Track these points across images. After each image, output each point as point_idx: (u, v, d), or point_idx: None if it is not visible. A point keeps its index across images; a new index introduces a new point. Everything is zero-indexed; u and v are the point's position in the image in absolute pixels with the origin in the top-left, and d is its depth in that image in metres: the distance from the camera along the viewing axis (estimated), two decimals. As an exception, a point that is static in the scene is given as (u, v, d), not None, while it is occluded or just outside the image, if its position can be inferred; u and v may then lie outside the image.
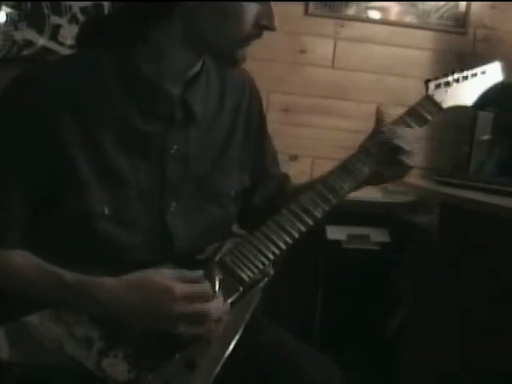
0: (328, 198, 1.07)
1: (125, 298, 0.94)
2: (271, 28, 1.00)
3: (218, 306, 0.97)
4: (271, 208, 1.14)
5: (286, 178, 1.28)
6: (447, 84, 1.16)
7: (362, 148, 1.11)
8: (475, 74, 1.18)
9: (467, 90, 1.17)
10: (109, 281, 0.96)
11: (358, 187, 1.12)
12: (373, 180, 1.13)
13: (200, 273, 0.99)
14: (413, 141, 1.09)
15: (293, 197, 1.09)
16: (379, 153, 1.10)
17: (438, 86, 1.15)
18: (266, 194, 1.22)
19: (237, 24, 0.98)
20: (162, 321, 0.94)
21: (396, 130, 1.10)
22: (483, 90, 1.18)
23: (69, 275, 0.96)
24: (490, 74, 1.19)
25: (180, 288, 0.94)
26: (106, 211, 1.00)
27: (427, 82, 1.16)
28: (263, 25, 0.99)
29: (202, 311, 0.95)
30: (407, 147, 1.08)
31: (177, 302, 0.93)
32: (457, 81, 1.16)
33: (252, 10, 0.98)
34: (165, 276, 0.96)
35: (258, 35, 1.01)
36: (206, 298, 0.96)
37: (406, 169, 1.11)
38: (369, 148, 1.10)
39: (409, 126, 1.12)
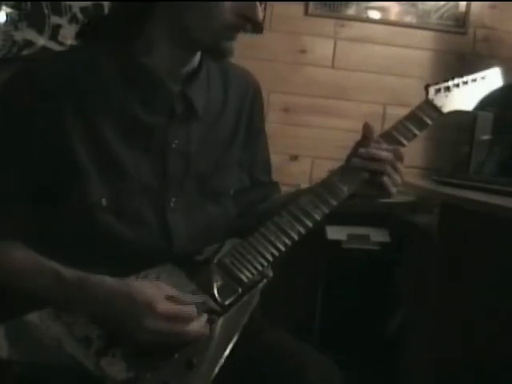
0: (328, 200, 1.07)
1: (114, 301, 0.94)
2: (254, 19, 0.99)
3: (195, 328, 0.96)
4: (253, 214, 1.15)
5: (274, 187, 1.28)
6: (447, 89, 1.16)
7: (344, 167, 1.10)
8: (475, 80, 1.19)
9: (467, 95, 1.18)
10: (108, 280, 0.96)
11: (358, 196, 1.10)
12: (362, 196, 1.11)
13: (202, 297, 0.99)
14: (390, 161, 1.07)
15: (277, 207, 1.08)
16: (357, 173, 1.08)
17: (437, 91, 1.15)
18: (251, 200, 1.21)
19: (215, 13, 0.97)
20: (137, 333, 0.94)
21: (372, 151, 1.07)
22: (483, 96, 1.19)
23: (67, 271, 0.97)
24: (490, 80, 1.20)
25: (163, 306, 0.93)
26: (104, 202, 1.00)
27: (427, 86, 1.16)
28: (245, 15, 0.98)
29: (177, 332, 0.94)
30: (380, 169, 1.06)
31: (155, 319, 0.92)
32: (457, 86, 1.17)
33: None
34: (158, 291, 0.95)
35: (242, 27, 1.00)
36: (187, 320, 0.95)
37: (385, 189, 1.08)
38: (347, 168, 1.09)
39: (408, 129, 1.12)
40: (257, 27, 1.00)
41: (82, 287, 0.96)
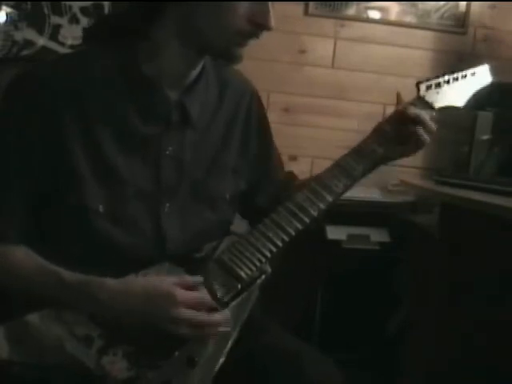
0: (323, 195, 1.09)
1: (126, 299, 0.95)
2: (266, 27, 0.99)
3: (218, 317, 0.98)
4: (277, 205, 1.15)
5: (291, 176, 1.30)
6: (438, 85, 1.19)
7: (378, 129, 1.15)
8: (465, 76, 1.21)
9: (457, 91, 1.20)
10: (109, 281, 0.96)
11: (371, 169, 1.15)
12: (384, 159, 1.16)
13: (199, 279, 1.00)
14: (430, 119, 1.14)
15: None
16: (395, 131, 1.13)
17: (428, 88, 1.18)
18: (272, 194, 1.24)
19: (228, 19, 0.97)
20: (163, 324, 0.95)
21: (415, 109, 1.14)
22: (473, 92, 1.21)
23: (68, 275, 0.97)
24: (480, 76, 1.22)
25: (181, 293, 0.95)
26: (101, 209, 1.00)
27: (418, 83, 1.18)
28: (258, 23, 0.98)
29: (201, 318, 0.96)
30: (427, 122, 1.13)
31: (178, 306, 0.94)
32: (447, 82, 1.19)
33: (244, 5, 0.97)
34: (166, 282, 0.97)
35: (254, 34, 1.00)
36: (206, 305, 0.98)
37: (421, 145, 1.14)
38: (384, 128, 1.14)
39: None
40: None
41: (82, 290, 0.96)
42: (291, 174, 1.30)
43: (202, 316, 0.97)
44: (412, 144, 1.15)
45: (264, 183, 1.23)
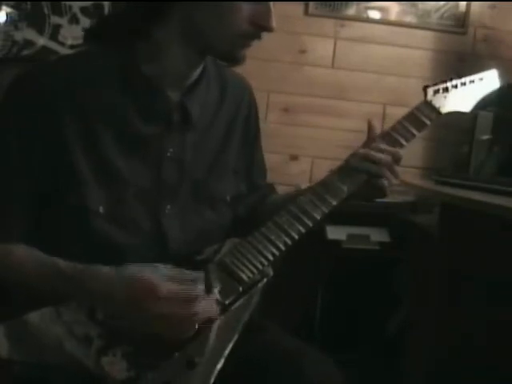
0: (327, 199, 1.07)
1: (115, 288, 0.94)
2: (268, 28, 0.99)
3: (204, 306, 0.96)
4: (254, 216, 1.15)
5: (271, 188, 1.29)
6: (445, 90, 1.17)
7: (346, 164, 1.10)
8: (473, 81, 1.19)
9: (465, 96, 1.18)
10: (105, 269, 0.96)
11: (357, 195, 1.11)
12: (358, 196, 1.11)
13: (200, 275, 0.99)
14: (388, 164, 1.07)
15: (276, 207, 1.09)
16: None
17: (436, 92, 1.16)
18: (251, 203, 1.23)
19: (231, 21, 0.98)
20: (140, 318, 0.94)
21: (371, 153, 1.07)
22: (481, 97, 1.19)
23: (65, 265, 0.97)
24: (488, 81, 1.20)
25: (165, 288, 0.93)
26: (101, 210, 1.00)
27: (425, 87, 1.17)
28: (260, 24, 0.99)
29: (183, 313, 0.94)
30: (378, 172, 1.06)
31: (157, 301, 0.92)
32: (455, 87, 1.17)
33: (246, 7, 0.97)
34: (158, 274, 0.95)
35: (256, 35, 1.01)
36: (192, 299, 0.94)
37: (381, 191, 1.09)
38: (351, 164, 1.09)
39: (407, 130, 1.12)
40: None
41: (79, 280, 0.96)
42: (271, 187, 1.29)
43: (183, 309, 0.93)
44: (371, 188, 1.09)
45: (247, 189, 1.22)
